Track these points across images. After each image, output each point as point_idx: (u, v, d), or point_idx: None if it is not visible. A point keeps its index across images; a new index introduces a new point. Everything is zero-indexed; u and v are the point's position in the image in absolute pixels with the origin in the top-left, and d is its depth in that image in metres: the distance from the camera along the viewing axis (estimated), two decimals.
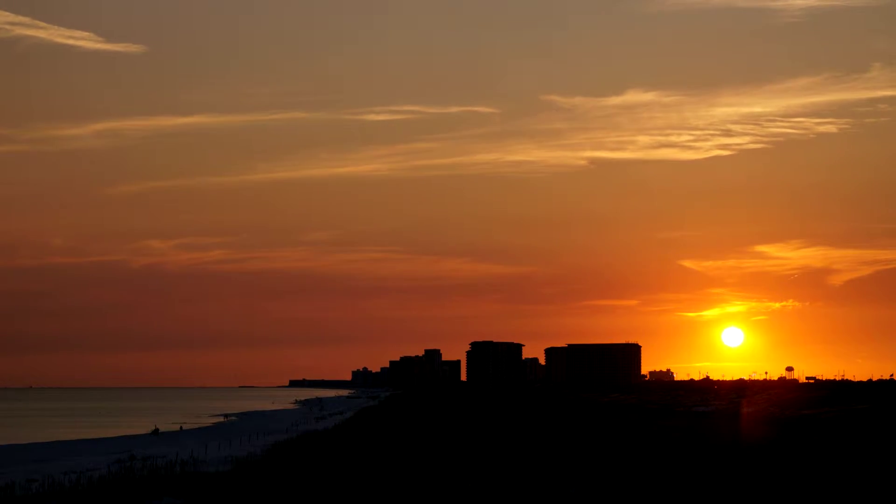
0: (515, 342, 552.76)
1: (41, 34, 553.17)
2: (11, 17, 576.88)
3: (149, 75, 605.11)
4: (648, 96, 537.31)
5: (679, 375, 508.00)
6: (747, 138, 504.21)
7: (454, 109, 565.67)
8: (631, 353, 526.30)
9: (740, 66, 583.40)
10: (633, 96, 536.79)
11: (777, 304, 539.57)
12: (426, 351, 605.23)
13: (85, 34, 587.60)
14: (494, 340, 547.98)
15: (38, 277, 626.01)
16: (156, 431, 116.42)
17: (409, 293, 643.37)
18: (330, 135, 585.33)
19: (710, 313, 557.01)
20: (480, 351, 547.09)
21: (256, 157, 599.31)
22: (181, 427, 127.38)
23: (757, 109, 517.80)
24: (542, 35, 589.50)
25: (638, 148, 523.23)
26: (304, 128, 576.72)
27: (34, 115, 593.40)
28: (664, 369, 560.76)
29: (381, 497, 37.96)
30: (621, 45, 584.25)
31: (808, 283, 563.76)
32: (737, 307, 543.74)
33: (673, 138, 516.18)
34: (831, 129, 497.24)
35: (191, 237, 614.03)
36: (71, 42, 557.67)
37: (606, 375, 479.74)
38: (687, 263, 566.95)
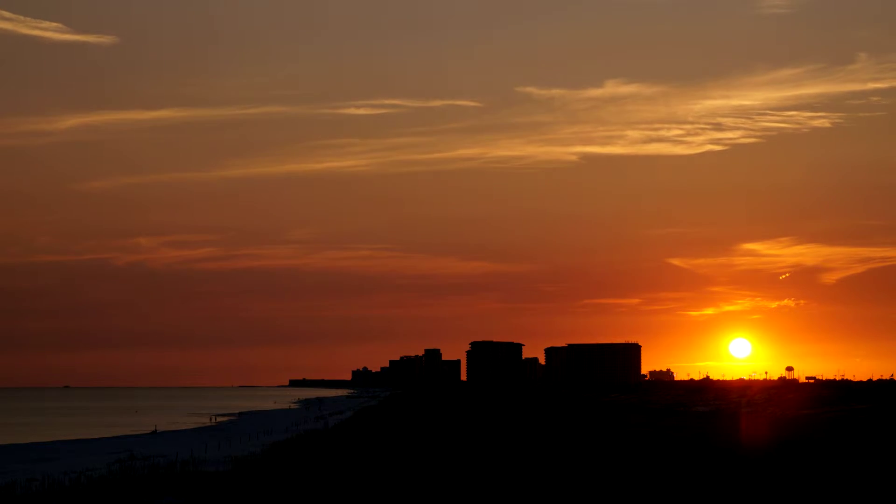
0: (515, 342, 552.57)
1: (7, 25, 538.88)
2: None
3: (121, 68, 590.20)
4: (630, 88, 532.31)
5: (679, 375, 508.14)
6: (739, 132, 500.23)
7: (436, 103, 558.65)
8: (631, 352, 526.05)
9: (721, 57, 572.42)
10: (612, 88, 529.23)
11: (774, 304, 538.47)
12: (426, 351, 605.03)
13: (53, 25, 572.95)
14: (494, 340, 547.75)
15: (30, 275, 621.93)
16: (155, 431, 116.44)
17: (406, 292, 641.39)
18: (308, 130, 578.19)
19: (706, 313, 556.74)
20: (480, 351, 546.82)
21: (233, 153, 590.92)
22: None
23: (747, 102, 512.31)
24: (518, 26, 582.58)
25: (628, 143, 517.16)
26: (280, 122, 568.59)
27: (2, 109, 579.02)
28: (664, 369, 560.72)
29: (380, 497, 37.97)
30: (599, 36, 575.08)
31: (802, 282, 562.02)
32: (734, 307, 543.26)
33: (663, 132, 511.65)
34: (825, 123, 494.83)
35: (176, 235, 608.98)
36: (38, 33, 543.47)
37: (606, 375, 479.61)
38: (676, 261, 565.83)
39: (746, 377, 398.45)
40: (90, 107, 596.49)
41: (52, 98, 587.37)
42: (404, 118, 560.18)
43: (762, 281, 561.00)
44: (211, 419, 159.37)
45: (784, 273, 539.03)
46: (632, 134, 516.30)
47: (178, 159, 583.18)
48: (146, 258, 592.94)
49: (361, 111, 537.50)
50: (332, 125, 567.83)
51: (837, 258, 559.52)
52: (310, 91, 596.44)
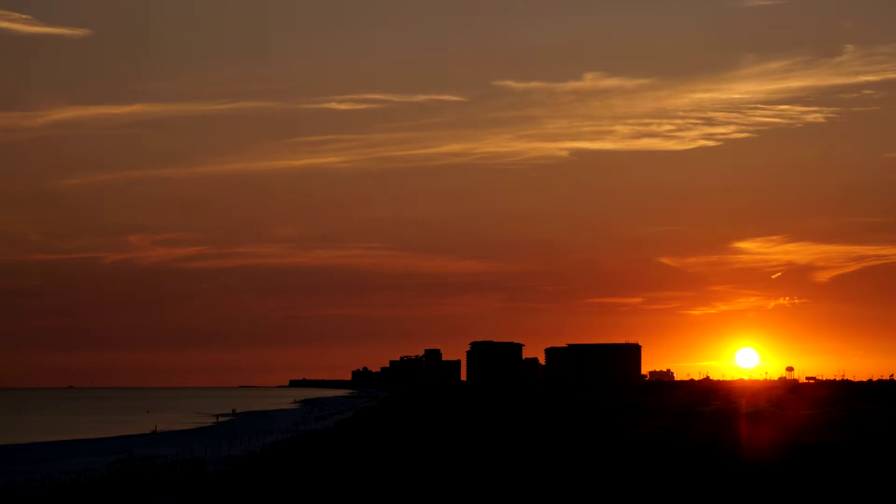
0: (515, 342, 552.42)
1: None
2: None
3: (94, 61, 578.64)
4: (611, 82, 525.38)
5: (679, 375, 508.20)
6: (732, 127, 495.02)
7: (419, 98, 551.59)
8: (631, 353, 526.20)
9: (703, 49, 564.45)
10: (592, 82, 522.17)
11: (771, 304, 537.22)
12: (426, 351, 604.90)
13: (23, 17, 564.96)
14: (494, 340, 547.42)
15: (25, 275, 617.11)
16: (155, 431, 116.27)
17: (405, 291, 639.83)
18: (287, 125, 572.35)
19: (701, 312, 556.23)
20: (480, 351, 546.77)
21: (211, 150, 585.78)
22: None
23: (736, 96, 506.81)
24: (493, 18, 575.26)
25: (619, 138, 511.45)
26: (259, 118, 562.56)
27: None
28: (664, 369, 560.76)
29: (380, 497, 37.79)
30: (576, 29, 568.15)
31: (795, 281, 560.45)
32: (729, 306, 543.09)
33: (653, 128, 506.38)
34: (818, 118, 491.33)
35: (164, 233, 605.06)
36: (6, 25, 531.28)
37: (607, 376, 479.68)
38: (667, 260, 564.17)
39: (747, 377, 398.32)
40: (64, 102, 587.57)
41: (25, 93, 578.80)
42: (386, 113, 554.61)
43: (755, 280, 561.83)
44: (217, 418, 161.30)
45: (776, 272, 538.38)
46: (621, 129, 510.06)
47: (157, 157, 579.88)
48: (136, 256, 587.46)
49: (343, 106, 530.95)
50: (312, 120, 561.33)
51: (830, 256, 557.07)
52: (289, 86, 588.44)
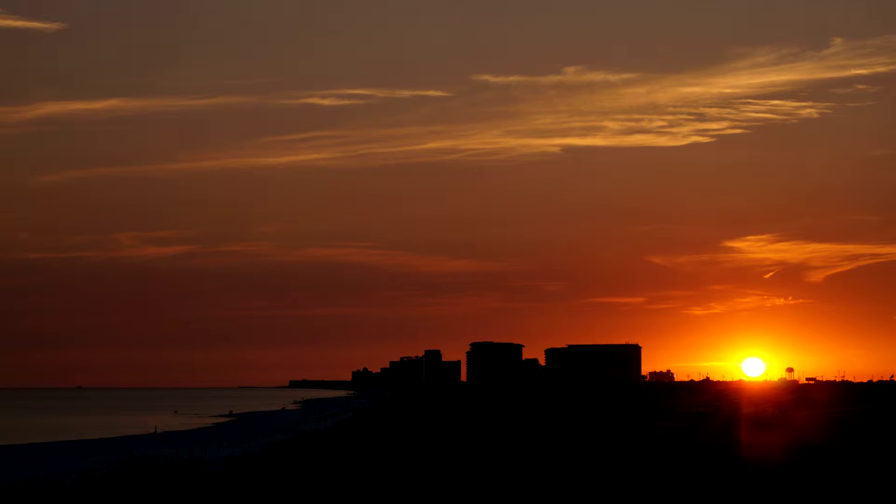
0: (515, 342, 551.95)
1: None
2: None
3: (71, 55, 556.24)
4: (594, 76, 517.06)
5: (679, 376, 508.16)
6: (725, 123, 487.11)
7: (403, 93, 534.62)
8: (631, 353, 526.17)
9: (685, 42, 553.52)
10: (575, 76, 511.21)
11: (768, 304, 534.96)
12: (426, 352, 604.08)
13: None
14: (494, 341, 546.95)
15: (19, 273, 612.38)
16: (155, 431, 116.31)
17: (403, 291, 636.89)
18: (270, 121, 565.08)
19: (702, 312, 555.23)
20: (480, 351, 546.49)
21: (190, 146, 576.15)
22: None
23: (727, 90, 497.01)
24: (472, 12, 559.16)
25: (610, 134, 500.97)
26: (241, 113, 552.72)
27: None
28: (664, 370, 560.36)
29: (380, 497, 37.75)
30: (557, 22, 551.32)
31: (792, 280, 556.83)
32: (724, 306, 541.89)
33: (644, 123, 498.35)
34: (812, 113, 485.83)
35: (152, 231, 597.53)
36: None
37: (607, 376, 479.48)
38: (657, 259, 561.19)
39: (747, 379, 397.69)
40: (42, 97, 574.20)
41: (3, 88, 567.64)
42: (370, 109, 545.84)
43: (751, 279, 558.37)
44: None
45: (769, 272, 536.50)
46: (611, 125, 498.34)
47: (139, 153, 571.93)
48: (126, 255, 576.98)
49: (326, 101, 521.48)
50: (293, 116, 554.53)
51: (826, 255, 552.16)
52: (271, 80, 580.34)
